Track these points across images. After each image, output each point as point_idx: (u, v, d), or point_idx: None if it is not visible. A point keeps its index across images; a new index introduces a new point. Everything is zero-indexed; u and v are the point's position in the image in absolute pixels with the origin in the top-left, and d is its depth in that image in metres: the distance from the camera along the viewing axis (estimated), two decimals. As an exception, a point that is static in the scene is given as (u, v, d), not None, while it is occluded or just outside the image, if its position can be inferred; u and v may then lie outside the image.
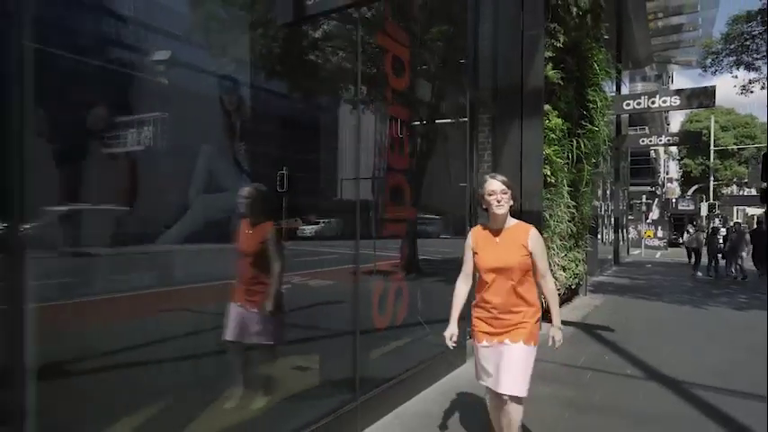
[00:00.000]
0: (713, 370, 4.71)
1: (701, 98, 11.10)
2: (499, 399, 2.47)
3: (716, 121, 40.60)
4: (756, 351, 5.47)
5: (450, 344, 2.53)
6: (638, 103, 11.46)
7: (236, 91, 3.39)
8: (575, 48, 6.82)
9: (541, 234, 6.59)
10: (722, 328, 6.96)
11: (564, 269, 7.26)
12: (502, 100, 6.17)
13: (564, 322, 6.78)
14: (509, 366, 2.39)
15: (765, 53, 12.80)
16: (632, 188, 27.41)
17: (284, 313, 3.17)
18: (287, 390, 3.39)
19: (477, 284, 2.59)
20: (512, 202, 2.51)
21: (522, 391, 2.40)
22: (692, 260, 15.56)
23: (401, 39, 4.34)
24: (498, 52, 6.13)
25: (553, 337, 2.54)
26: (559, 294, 7.28)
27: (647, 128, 32.90)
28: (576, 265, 7.88)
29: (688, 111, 38.52)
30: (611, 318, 7.26)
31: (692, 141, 18.74)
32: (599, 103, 7.58)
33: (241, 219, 3.01)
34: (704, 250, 15.60)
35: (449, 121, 7.02)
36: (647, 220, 34.57)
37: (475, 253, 2.56)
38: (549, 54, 6.28)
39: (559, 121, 6.63)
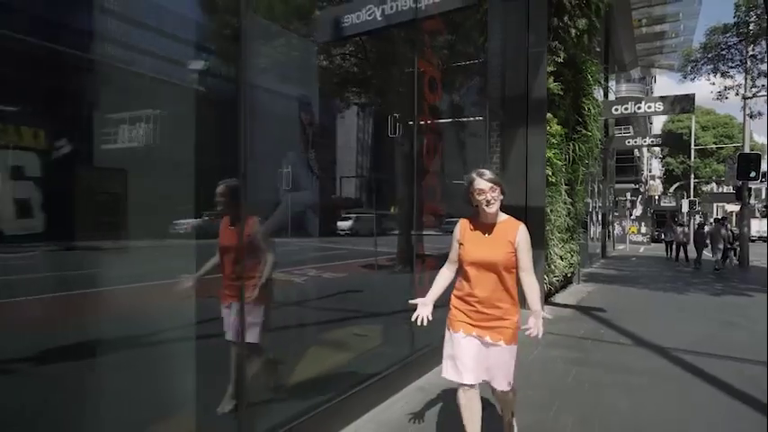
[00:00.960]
0: (690, 339, 5.63)
1: (682, 104, 12.14)
2: (472, 400, 2.50)
3: (696, 121, 42.08)
4: (726, 325, 6.46)
5: (419, 321, 2.51)
6: (626, 108, 12.49)
7: (310, 109, 4.17)
8: (572, 62, 7.70)
9: (544, 227, 7.51)
10: (699, 309, 7.93)
11: (561, 258, 8.16)
12: (510, 109, 7.03)
13: (563, 305, 7.74)
14: (500, 366, 2.48)
15: (739, 62, 13.89)
16: (617, 185, 28.59)
17: (270, 310, 3.07)
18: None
19: (461, 276, 2.58)
20: (501, 197, 2.47)
21: (509, 385, 2.54)
22: (679, 254, 16.76)
23: (434, 63, 5.16)
24: (507, 67, 6.99)
25: (534, 326, 2.47)
26: (557, 280, 8.18)
27: (631, 127, 34.16)
28: (572, 256, 8.80)
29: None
30: (603, 301, 8.18)
31: (674, 143, 19.88)
32: (592, 111, 8.49)
33: (222, 216, 2.95)
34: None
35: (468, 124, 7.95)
36: (632, 217, 35.92)
37: (461, 244, 2.54)
38: (550, 69, 7.14)
39: (559, 127, 7.51)
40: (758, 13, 11.22)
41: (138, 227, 3.21)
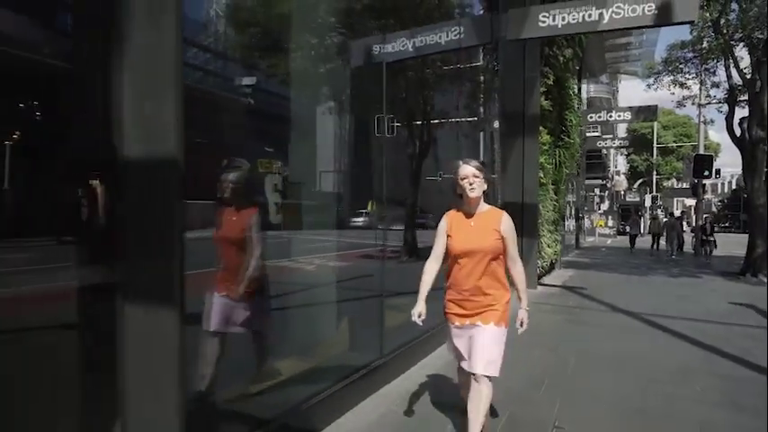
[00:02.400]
0: (653, 307, 7.21)
1: (646, 113, 14.03)
2: (470, 378, 2.52)
3: (658, 122, 44.95)
4: (680, 298, 8.14)
5: (418, 321, 2.50)
6: (599, 117, 14.32)
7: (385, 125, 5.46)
8: (559, 83, 9.22)
9: (537, 220, 9.17)
10: (659, 287, 9.63)
11: (548, 246, 9.71)
12: (508, 122, 8.47)
13: (551, 285, 9.29)
14: (482, 348, 2.45)
15: (695, 74, 15.83)
16: (587, 182, 30.72)
17: (268, 299, 3.10)
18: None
19: (450, 267, 2.61)
20: (485, 186, 2.52)
21: (494, 371, 2.45)
22: (667, 245, 18.84)
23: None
24: (506, 87, 8.42)
25: (522, 320, 2.57)
26: (546, 265, 9.72)
27: (599, 126, 36.54)
28: (556, 245, 10.38)
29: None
30: (583, 282, 9.78)
31: (640, 144, 21.91)
32: (574, 121, 10.06)
33: (224, 205, 2.84)
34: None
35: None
36: (599, 211, 38.37)
37: (449, 236, 2.57)
38: (542, 89, 8.63)
39: (548, 137, 9.02)
40: (710, 33, 12.95)
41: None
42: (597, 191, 37.74)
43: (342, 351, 4.09)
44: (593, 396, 3.63)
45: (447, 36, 6.87)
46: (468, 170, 2.49)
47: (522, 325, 2.56)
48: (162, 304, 2.01)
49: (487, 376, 2.43)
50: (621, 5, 6.07)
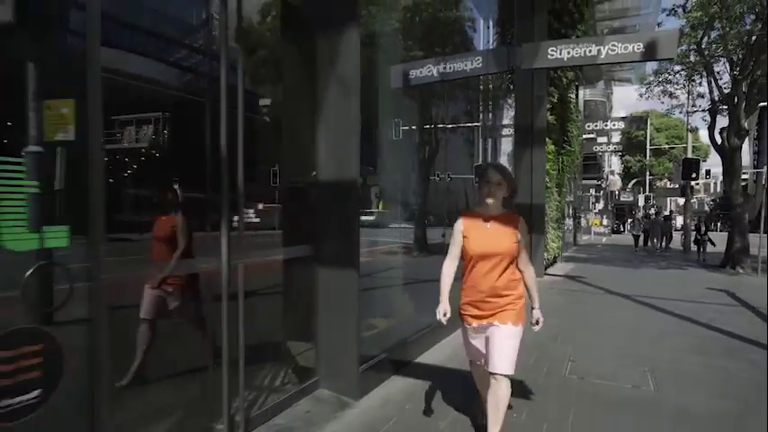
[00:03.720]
0: (644, 290, 8.62)
1: (637, 122, 15.61)
2: (488, 376, 2.55)
3: (651, 124, 46.62)
4: (665, 285, 9.58)
5: (444, 320, 2.54)
6: (596, 125, 15.85)
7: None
8: (562, 99, 10.63)
9: (544, 218, 10.81)
10: (649, 277, 11.06)
11: (552, 241, 11.12)
12: (519, 134, 9.85)
13: (555, 275, 10.77)
14: (499, 347, 2.48)
15: (683, 85, 17.27)
16: (584, 182, 32.21)
17: (198, 291, 3.38)
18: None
19: (466, 269, 2.62)
20: (506, 194, 2.57)
21: (510, 370, 2.47)
22: (650, 242, 20.35)
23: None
24: (518, 105, 9.80)
25: (537, 320, 2.64)
26: (549, 258, 11.13)
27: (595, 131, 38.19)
28: (559, 240, 11.80)
29: (629, 113, 44.10)
30: (583, 273, 11.19)
31: (633, 148, 23.40)
32: (575, 132, 11.47)
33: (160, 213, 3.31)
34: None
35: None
36: (595, 211, 39.89)
37: (465, 237, 2.59)
38: (548, 106, 10.02)
39: (552, 146, 10.42)
40: (695, 48, 14.32)
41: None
42: (593, 191, 39.27)
43: (412, 314, 5.44)
44: (595, 345, 5.02)
45: (471, 64, 8.24)
46: (492, 177, 2.54)
47: (537, 323, 2.64)
48: (346, 267, 3.37)
49: (504, 375, 2.47)
50: (616, 44, 7.47)
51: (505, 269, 2.53)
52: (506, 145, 12.45)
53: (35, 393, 1.79)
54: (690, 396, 3.64)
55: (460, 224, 2.62)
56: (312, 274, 3.43)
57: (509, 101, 11.42)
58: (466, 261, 2.61)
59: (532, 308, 2.66)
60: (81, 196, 1.94)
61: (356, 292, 3.35)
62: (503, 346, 2.47)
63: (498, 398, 2.49)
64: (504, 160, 12.24)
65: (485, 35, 11.29)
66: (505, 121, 12.55)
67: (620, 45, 7.46)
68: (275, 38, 4.76)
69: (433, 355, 4.54)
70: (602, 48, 7.58)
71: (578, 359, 4.51)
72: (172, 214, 3.23)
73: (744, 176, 20.59)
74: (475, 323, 2.59)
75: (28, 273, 1.98)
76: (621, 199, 42.76)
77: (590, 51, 7.67)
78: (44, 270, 2.06)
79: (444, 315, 2.53)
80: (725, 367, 4.37)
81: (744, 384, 3.92)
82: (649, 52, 7.31)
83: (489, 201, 2.53)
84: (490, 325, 2.53)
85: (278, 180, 3.96)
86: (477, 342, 2.65)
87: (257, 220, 7.10)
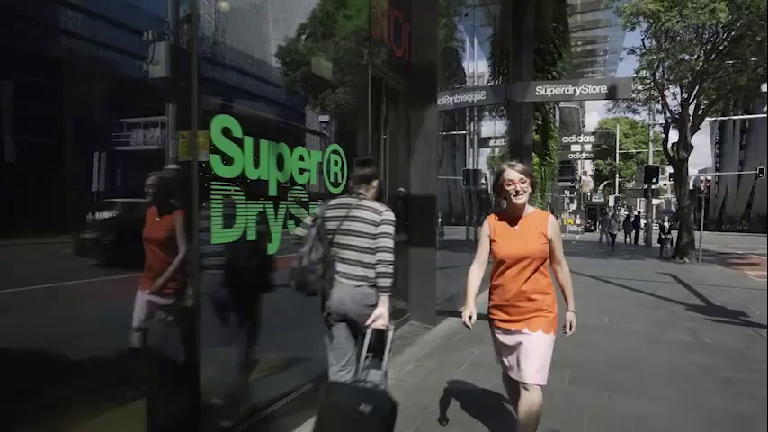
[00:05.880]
0: (609, 274, 11.09)
1: (606, 138, 18.27)
2: (518, 386, 2.48)
3: (620, 130, 50.12)
4: (627, 271, 12.15)
5: (469, 324, 2.47)
6: (571, 139, 18.60)
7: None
8: (544, 120, 13.08)
9: None
10: (616, 266, 13.64)
11: (537, 237, 13.57)
12: (512, 150, 12.22)
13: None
14: (530, 356, 2.39)
15: (644, 102, 20.03)
16: (560, 184, 35.13)
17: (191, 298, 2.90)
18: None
19: (494, 272, 2.54)
20: (530, 190, 2.47)
21: (542, 380, 2.39)
22: (625, 238, 23.04)
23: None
24: (511, 127, 12.17)
25: (571, 323, 2.57)
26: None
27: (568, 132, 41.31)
28: (541, 236, 14.28)
29: (600, 119, 47.45)
30: (560, 262, 13.68)
31: (604, 153, 26.26)
32: (553, 147, 13.95)
33: (149, 207, 2.75)
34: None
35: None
36: (569, 211, 43.00)
37: (493, 241, 2.50)
38: (534, 127, 12.46)
39: (537, 159, 12.87)
40: (655, 73, 16.89)
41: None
42: (567, 192, 42.31)
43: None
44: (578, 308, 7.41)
45: (477, 97, 10.58)
46: (513, 175, 2.43)
47: (570, 328, 2.57)
48: (427, 247, 5.63)
49: (536, 385, 2.39)
50: (587, 86, 9.91)
51: (534, 272, 2.45)
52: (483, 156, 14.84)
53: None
54: (630, 325, 6.06)
55: (486, 227, 2.56)
56: (406, 251, 5.67)
57: (492, 113, 13.83)
58: (495, 264, 2.54)
59: (567, 309, 2.58)
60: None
61: (435, 263, 5.61)
62: (533, 355, 2.40)
63: (531, 407, 2.40)
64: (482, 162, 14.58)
65: (470, 53, 13.59)
66: (488, 133, 14.92)
67: (589, 87, 9.91)
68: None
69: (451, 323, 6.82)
70: (576, 88, 10.01)
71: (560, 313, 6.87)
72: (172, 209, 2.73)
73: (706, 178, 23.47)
74: (503, 328, 2.51)
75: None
76: (593, 200, 45.94)
77: (567, 90, 10.09)
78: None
79: (470, 318, 2.48)
80: (653, 312, 6.84)
81: (661, 319, 6.36)
82: (611, 93, 9.80)
83: (519, 200, 2.43)
84: (519, 332, 2.44)
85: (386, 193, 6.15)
86: (506, 350, 2.55)
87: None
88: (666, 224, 17.41)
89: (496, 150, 12.73)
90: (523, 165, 2.48)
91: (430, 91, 5.62)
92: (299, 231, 2.67)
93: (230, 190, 2.57)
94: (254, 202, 2.75)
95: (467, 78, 12.74)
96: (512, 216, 2.49)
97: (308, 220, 2.68)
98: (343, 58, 4.24)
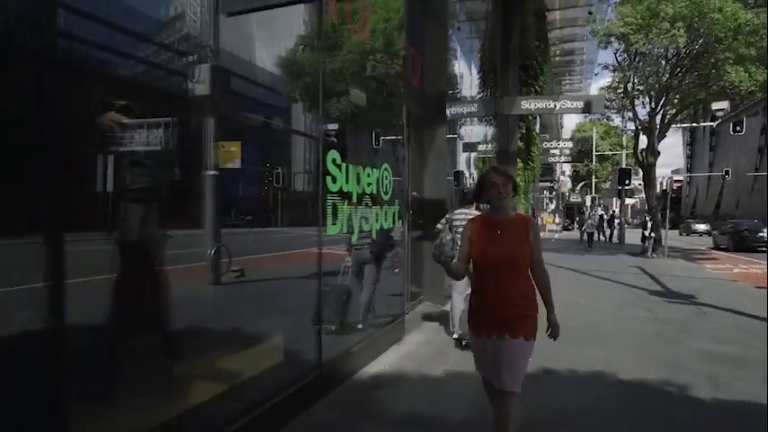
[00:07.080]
0: (585, 267, 12.54)
1: (582, 143, 19.90)
2: (497, 392, 2.49)
3: (597, 132, 52.27)
4: (602, 264, 13.66)
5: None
6: (551, 144, 20.19)
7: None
8: (528, 129, 14.51)
9: None
10: (592, 260, 15.17)
11: (521, 235, 15.01)
12: (500, 156, 13.59)
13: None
14: (508, 363, 2.40)
15: (618, 110, 21.67)
16: (540, 185, 36.84)
17: (166, 301, 2.97)
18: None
19: (475, 277, 2.52)
20: (513, 194, 2.49)
21: (516, 387, 2.41)
22: (599, 236, 24.73)
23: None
24: (499, 135, 13.53)
25: (555, 326, 2.55)
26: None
27: (547, 135, 43.03)
28: (525, 233, 15.73)
29: (578, 121, 49.49)
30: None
31: (582, 157, 28.07)
32: (536, 153, 15.41)
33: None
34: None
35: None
36: (548, 210, 44.86)
37: (473, 242, 2.48)
38: (518, 135, 13.87)
39: (521, 165, 14.29)
40: (626, 85, 18.42)
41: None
42: (546, 192, 44.14)
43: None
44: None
45: (469, 109, 11.93)
46: (497, 179, 2.45)
47: (551, 331, 2.55)
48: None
49: (513, 392, 2.42)
50: (566, 101, 11.34)
51: (515, 277, 2.44)
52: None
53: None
54: (600, 304, 7.47)
55: (468, 229, 2.53)
56: (420, 245, 6.93)
57: (482, 121, 15.22)
58: (475, 269, 2.52)
59: (548, 314, 2.54)
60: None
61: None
62: (512, 362, 2.41)
63: (508, 414, 2.44)
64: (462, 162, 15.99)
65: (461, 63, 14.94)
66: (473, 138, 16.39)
67: (568, 102, 11.35)
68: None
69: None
70: (556, 103, 11.43)
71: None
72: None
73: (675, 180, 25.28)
74: (483, 334, 2.48)
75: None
76: (571, 200, 47.84)
77: (549, 105, 11.51)
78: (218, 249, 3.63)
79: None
80: (620, 295, 8.27)
81: (626, 300, 7.79)
82: (586, 108, 11.26)
83: (501, 204, 2.46)
84: (500, 338, 2.41)
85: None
86: (485, 356, 2.52)
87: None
88: (650, 223, 18.41)
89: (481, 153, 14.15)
90: (506, 168, 2.62)
91: (440, 114, 6.89)
92: (439, 225, 4.41)
93: (335, 198, 3.83)
94: (347, 207, 4.03)
95: (458, 79, 14.21)
96: (494, 219, 2.50)
97: (442, 220, 4.61)
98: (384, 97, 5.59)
